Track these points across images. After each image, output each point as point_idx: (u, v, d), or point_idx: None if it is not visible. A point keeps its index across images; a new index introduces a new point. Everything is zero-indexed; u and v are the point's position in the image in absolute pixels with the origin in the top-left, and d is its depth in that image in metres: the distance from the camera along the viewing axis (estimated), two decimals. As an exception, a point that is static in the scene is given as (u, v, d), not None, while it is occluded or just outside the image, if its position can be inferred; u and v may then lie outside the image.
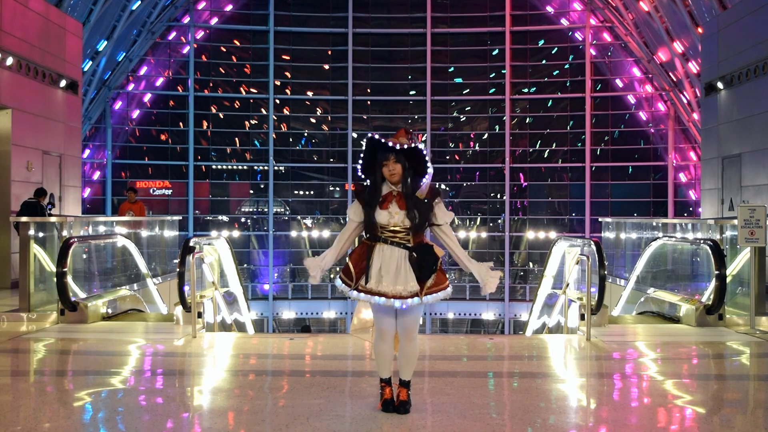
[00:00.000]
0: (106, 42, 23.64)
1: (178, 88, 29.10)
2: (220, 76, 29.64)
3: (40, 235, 8.58)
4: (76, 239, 8.37)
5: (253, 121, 29.88)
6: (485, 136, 29.59)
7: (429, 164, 4.02)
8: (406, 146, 3.98)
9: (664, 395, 5.04)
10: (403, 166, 4.01)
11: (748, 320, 7.76)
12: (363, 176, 4.14)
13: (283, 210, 30.15)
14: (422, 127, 29.11)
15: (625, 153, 28.30)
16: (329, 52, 29.95)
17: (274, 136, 29.27)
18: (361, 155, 4.10)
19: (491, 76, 29.28)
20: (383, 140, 4.01)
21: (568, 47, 28.83)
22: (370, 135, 4.06)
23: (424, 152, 4.00)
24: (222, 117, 29.57)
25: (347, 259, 4.12)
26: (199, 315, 7.55)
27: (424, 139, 27.93)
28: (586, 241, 9.23)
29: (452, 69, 29.40)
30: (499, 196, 29.17)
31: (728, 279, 7.96)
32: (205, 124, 29.41)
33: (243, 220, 30.22)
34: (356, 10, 29.18)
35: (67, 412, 4.49)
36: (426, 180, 4.03)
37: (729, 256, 8.30)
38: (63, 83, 13.94)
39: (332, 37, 29.67)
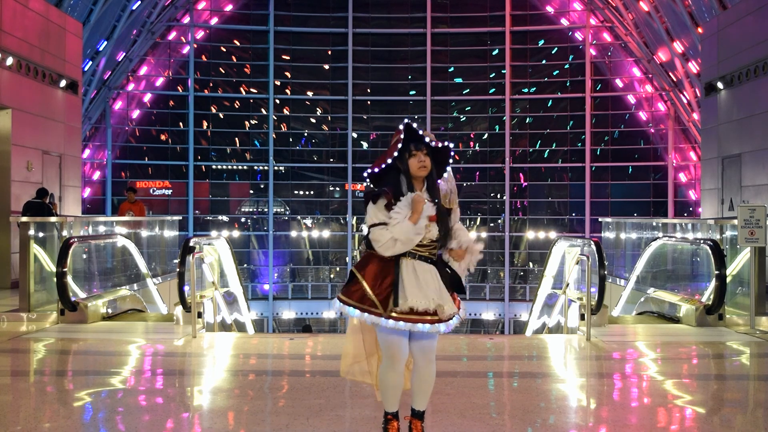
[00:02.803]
0: (106, 42, 23.64)
1: (178, 88, 29.10)
2: (220, 76, 29.63)
3: (40, 235, 8.58)
4: (76, 239, 8.37)
5: (253, 121, 29.88)
6: (485, 136, 29.58)
7: (449, 169, 3.53)
8: (440, 145, 3.44)
9: (664, 395, 5.04)
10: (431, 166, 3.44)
11: (748, 320, 7.76)
12: (374, 178, 3.46)
13: (283, 210, 30.14)
14: (422, 127, 29.07)
15: (625, 153, 28.29)
16: (329, 52, 29.94)
17: (274, 136, 29.26)
18: (398, 144, 3.40)
19: (491, 76, 29.27)
20: (421, 131, 3.40)
21: (568, 47, 28.83)
22: (406, 121, 3.42)
23: (452, 153, 3.49)
24: (222, 117, 29.57)
25: (358, 276, 3.42)
26: (199, 315, 7.55)
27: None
28: (586, 241, 9.23)
29: (452, 69, 29.40)
30: (499, 196, 29.17)
31: (728, 279, 7.96)
32: (205, 124, 29.40)
33: (243, 220, 30.22)
34: (356, 10, 29.17)
35: (67, 412, 4.49)
36: (443, 183, 3.51)
37: (729, 256, 8.31)
38: (63, 83, 13.94)
39: (332, 37, 29.67)
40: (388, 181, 3.44)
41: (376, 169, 3.44)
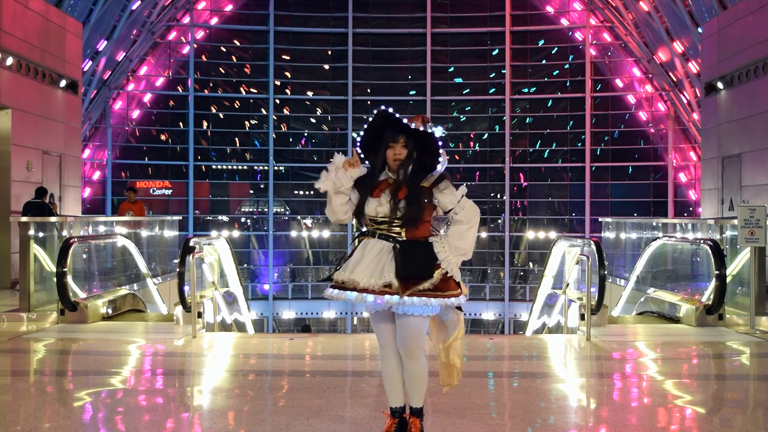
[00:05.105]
0: (106, 42, 23.63)
1: (178, 88, 29.09)
2: (220, 76, 29.63)
3: (40, 235, 8.58)
4: (76, 239, 8.38)
5: (253, 121, 29.88)
6: (485, 136, 29.58)
7: (442, 158, 3.41)
8: (421, 128, 3.37)
9: (664, 395, 5.04)
10: (410, 153, 3.42)
11: (748, 320, 7.76)
12: (360, 152, 3.53)
13: (283, 210, 30.14)
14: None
15: (625, 153, 28.28)
16: (329, 52, 29.94)
17: (274, 136, 29.26)
18: (365, 126, 3.47)
19: (491, 76, 29.26)
20: (397, 115, 3.36)
21: (568, 47, 28.82)
22: (383, 107, 3.40)
23: (440, 142, 3.39)
24: (222, 117, 29.56)
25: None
26: (199, 315, 7.55)
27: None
28: (586, 241, 9.23)
29: (452, 69, 29.39)
30: (499, 196, 29.16)
31: (728, 279, 7.96)
32: (205, 124, 29.40)
33: (243, 220, 30.22)
34: (356, 10, 29.17)
35: (67, 412, 4.49)
36: (441, 168, 3.45)
37: (729, 256, 8.31)
38: (63, 83, 13.94)
39: (332, 37, 29.66)
40: (370, 164, 3.55)
41: (358, 141, 3.57)
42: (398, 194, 3.41)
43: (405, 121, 3.36)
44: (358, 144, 3.54)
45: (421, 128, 3.37)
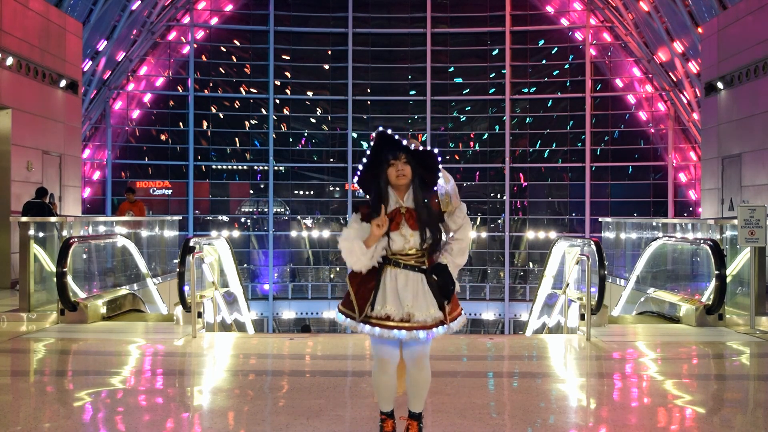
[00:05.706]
0: (106, 42, 23.63)
1: (178, 88, 29.09)
2: (220, 76, 29.63)
3: (40, 235, 8.58)
4: (76, 239, 8.38)
5: (253, 121, 29.88)
6: (485, 136, 29.58)
7: (441, 174, 3.46)
8: (421, 148, 3.40)
9: (664, 395, 5.04)
10: (413, 171, 3.42)
11: (748, 320, 7.76)
12: (360, 186, 3.49)
13: (283, 210, 30.14)
14: (422, 127, 29.12)
15: (625, 153, 28.29)
16: (329, 52, 29.95)
17: (274, 136, 29.27)
18: (367, 153, 3.45)
19: (491, 76, 29.26)
20: (396, 136, 3.39)
21: (568, 47, 28.82)
22: (381, 129, 3.39)
23: (439, 158, 3.42)
24: (222, 117, 29.56)
25: (347, 283, 3.51)
26: (199, 315, 7.55)
27: (423, 139, 27.91)
28: (586, 241, 9.23)
29: (452, 69, 29.39)
30: (499, 196, 29.17)
31: (728, 279, 7.96)
32: (205, 124, 29.40)
33: (243, 220, 30.22)
34: (356, 10, 29.17)
35: (67, 412, 4.49)
36: (440, 189, 3.50)
37: (729, 256, 8.31)
38: (63, 83, 13.94)
39: (332, 37, 29.67)
40: (373, 188, 3.46)
41: (355, 179, 3.52)
42: (419, 223, 3.40)
43: (404, 143, 3.39)
44: (359, 173, 3.47)
45: (421, 147, 3.40)
